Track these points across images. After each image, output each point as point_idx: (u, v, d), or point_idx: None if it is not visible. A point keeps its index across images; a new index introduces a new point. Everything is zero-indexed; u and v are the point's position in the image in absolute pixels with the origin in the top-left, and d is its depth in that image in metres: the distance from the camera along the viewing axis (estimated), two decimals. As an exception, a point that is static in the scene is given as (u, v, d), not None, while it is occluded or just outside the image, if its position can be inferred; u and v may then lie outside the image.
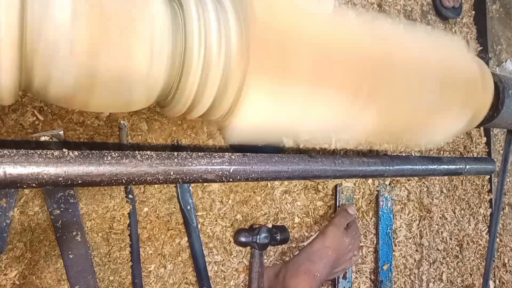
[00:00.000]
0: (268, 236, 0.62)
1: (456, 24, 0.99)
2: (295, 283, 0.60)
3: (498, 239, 1.02)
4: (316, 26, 0.43)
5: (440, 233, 0.91)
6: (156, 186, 0.57)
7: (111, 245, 0.54)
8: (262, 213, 0.66)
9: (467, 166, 0.75)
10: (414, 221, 0.87)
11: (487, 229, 1.00)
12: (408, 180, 0.86)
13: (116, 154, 0.39)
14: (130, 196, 0.54)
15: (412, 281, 0.86)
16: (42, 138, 0.46)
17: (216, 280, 0.62)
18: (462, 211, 0.96)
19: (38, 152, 0.35)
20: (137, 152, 0.41)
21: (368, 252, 0.79)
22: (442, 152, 0.92)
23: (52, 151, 0.36)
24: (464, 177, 0.97)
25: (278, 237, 0.64)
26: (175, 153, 0.43)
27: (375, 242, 0.80)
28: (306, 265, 0.63)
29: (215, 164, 0.45)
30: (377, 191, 0.80)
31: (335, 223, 0.69)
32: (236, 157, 0.47)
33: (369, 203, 0.79)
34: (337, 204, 0.74)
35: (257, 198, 0.66)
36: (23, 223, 0.48)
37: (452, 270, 0.93)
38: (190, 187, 0.59)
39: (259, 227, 0.63)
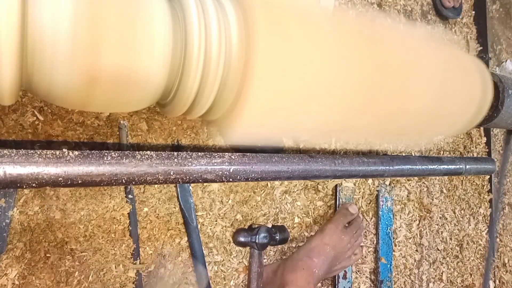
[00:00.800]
0: (267, 236, 0.62)
1: (456, 24, 0.99)
2: (293, 278, 0.60)
3: (498, 239, 1.02)
4: (316, 25, 0.43)
5: (440, 233, 0.91)
6: (156, 186, 0.57)
7: (111, 245, 0.54)
8: (262, 213, 0.66)
9: (467, 166, 0.75)
10: (414, 221, 0.87)
11: (487, 229, 1.00)
12: (408, 180, 0.86)
13: (116, 154, 0.39)
14: (130, 196, 0.54)
15: (412, 281, 0.86)
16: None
17: (216, 280, 0.62)
18: (462, 211, 0.96)
19: (38, 152, 0.35)
20: (137, 152, 0.41)
21: (368, 252, 0.79)
22: (442, 152, 0.92)
23: (52, 151, 0.36)
24: (464, 177, 0.96)
25: (277, 237, 0.64)
26: (175, 153, 0.43)
27: (375, 242, 0.80)
28: (305, 261, 0.63)
29: (215, 164, 0.45)
30: (377, 191, 0.80)
31: (334, 221, 0.69)
32: (236, 157, 0.47)
33: (369, 203, 0.79)
34: (337, 204, 0.74)
35: (257, 198, 0.66)
36: (23, 223, 0.48)
37: (452, 270, 0.93)
38: (190, 187, 0.59)
39: (258, 227, 0.63)
